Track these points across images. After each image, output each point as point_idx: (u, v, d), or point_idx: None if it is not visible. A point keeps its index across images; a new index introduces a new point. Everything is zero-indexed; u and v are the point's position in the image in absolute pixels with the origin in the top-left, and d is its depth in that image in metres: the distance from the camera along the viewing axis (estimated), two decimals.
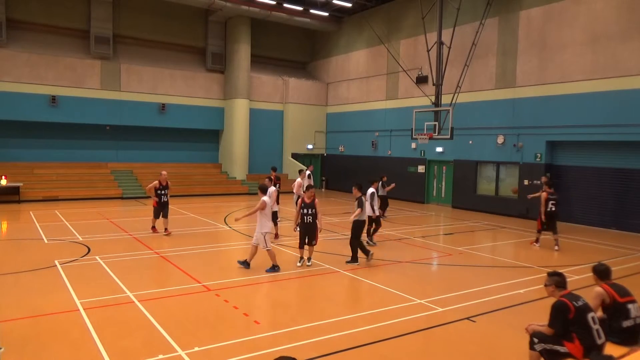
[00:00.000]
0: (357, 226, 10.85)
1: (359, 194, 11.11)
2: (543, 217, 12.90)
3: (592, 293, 5.45)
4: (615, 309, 5.29)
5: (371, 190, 12.62)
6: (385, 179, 17.73)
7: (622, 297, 5.31)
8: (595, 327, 4.81)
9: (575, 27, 17.30)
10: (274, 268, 9.89)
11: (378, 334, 6.67)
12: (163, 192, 13.67)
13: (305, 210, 10.38)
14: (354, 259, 10.77)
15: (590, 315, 4.84)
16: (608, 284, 5.46)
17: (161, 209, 13.63)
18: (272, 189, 12.72)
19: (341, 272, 10.03)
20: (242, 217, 10.53)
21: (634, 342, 5.17)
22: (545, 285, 5.24)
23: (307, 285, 9.30)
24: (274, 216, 12.95)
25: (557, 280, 5.16)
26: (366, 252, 10.83)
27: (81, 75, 23.54)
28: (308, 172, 20.68)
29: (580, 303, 4.88)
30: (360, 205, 10.85)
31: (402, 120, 23.94)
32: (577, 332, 4.79)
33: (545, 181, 14.03)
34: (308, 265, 10.41)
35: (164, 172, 13.97)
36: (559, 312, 4.89)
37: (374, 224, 12.91)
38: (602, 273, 5.57)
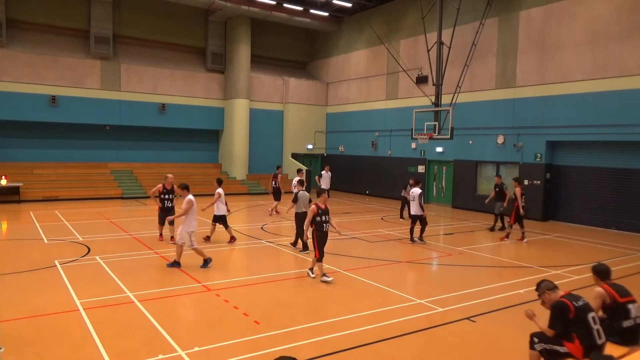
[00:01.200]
0: (299, 218, 11.91)
1: (300, 188, 12.38)
2: (522, 210, 13.85)
3: (592, 293, 5.44)
4: (615, 309, 5.28)
5: (418, 190, 13.45)
6: (412, 181, 18.31)
7: (622, 297, 5.30)
8: (596, 327, 4.79)
9: (575, 27, 17.31)
10: (207, 262, 10.08)
11: (378, 334, 6.67)
12: (167, 196, 12.63)
13: (323, 217, 9.23)
14: (305, 246, 11.85)
15: (590, 315, 4.83)
16: (608, 284, 5.45)
17: (166, 215, 12.44)
18: (219, 190, 12.64)
19: (341, 272, 10.02)
20: (172, 218, 10.64)
21: (634, 343, 5.17)
22: (540, 296, 5.17)
23: (307, 285, 9.29)
24: (223, 220, 12.81)
25: (545, 285, 5.15)
26: (300, 244, 12.11)
27: (81, 75, 23.54)
28: (324, 172, 20.70)
29: (580, 303, 4.87)
30: (295, 200, 12.08)
31: (402, 120, 23.94)
32: (578, 332, 4.78)
33: (516, 178, 14.85)
34: (329, 281, 9.22)
35: (169, 175, 12.93)
36: (559, 313, 4.88)
37: (419, 222, 13.48)
38: (602, 273, 5.55)
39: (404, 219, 17.90)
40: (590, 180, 17.45)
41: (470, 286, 9.20)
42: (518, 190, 13.98)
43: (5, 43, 22.09)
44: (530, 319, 5.15)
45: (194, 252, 10.14)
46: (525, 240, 14.05)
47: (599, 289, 5.42)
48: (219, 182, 13.08)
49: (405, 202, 18.23)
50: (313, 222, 9.29)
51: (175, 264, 10.09)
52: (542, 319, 5.11)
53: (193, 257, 11.20)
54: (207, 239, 12.99)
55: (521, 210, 13.83)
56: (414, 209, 13.43)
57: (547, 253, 12.79)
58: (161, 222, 12.86)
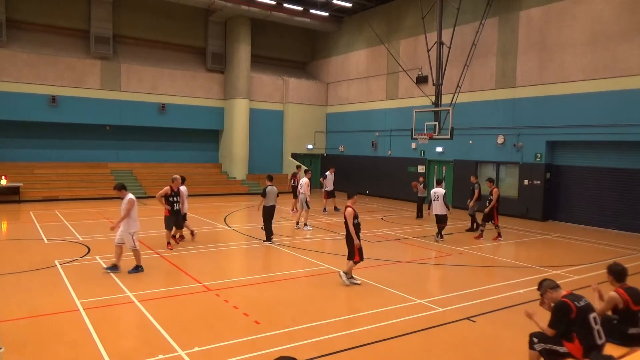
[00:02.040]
0: (267, 212, 12.63)
1: (269, 184, 12.84)
2: (493, 211, 13.96)
3: (605, 297, 5.36)
4: (625, 315, 5.20)
5: (442, 190, 13.85)
6: (422, 179, 19.20)
7: (635, 305, 5.17)
8: (597, 327, 4.78)
9: (575, 27, 17.30)
10: (137, 268, 9.55)
11: (378, 334, 6.67)
12: (176, 199, 11.93)
13: (357, 220, 9.09)
14: (269, 238, 12.76)
15: (591, 315, 4.81)
16: (624, 288, 5.31)
17: (175, 219, 12.03)
18: (183, 188, 12.47)
19: (341, 272, 10.01)
20: (117, 225, 9.62)
21: (634, 345, 5.14)
22: (542, 295, 5.13)
23: (307, 285, 9.29)
24: (183, 217, 12.64)
25: (547, 284, 5.12)
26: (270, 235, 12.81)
27: (81, 75, 23.54)
28: (328, 173, 20.79)
29: (582, 303, 4.85)
30: (264, 194, 12.56)
31: (402, 120, 23.94)
32: (578, 332, 4.77)
33: (490, 179, 15.05)
34: (358, 284, 9.17)
35: (177, 177, 12.24)
36: (560, 313, 4.86)
37: (437, 221, 13.79)
38: (618, 274, 5.43)
39: (422, 217, 18.54)
40: (590, 180, 17.45)
41: (470, 286, 9.20)
42: (496, 190, 14.05)
43: (5, 43, 22.09)
44: (530, 318, 5.14)
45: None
46: (482, 238, 14.21)
47: (613, 294, 5.28)
48: (182, 181, 12.54)
49: (420, 202, 18.55)
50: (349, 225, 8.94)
51: (114, 267, 9.57)
52: (542, 319, 5.11)
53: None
54: (192, 233, 13.02)
55: (487, 210, 13.96)
56: (439, 209, 13.67)
57: (547, 253, 12.79)
58: (169, 227, 11.99)
